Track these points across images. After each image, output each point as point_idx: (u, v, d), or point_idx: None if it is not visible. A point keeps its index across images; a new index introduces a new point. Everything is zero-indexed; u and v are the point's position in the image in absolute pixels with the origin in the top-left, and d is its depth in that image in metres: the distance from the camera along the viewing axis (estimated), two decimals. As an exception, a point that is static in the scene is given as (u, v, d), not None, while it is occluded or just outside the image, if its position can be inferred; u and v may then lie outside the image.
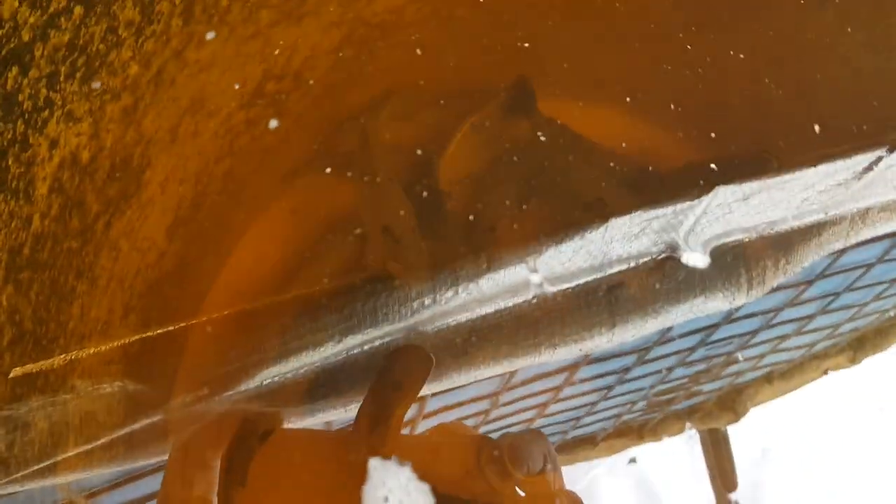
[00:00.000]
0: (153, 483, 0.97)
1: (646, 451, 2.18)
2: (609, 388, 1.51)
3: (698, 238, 0.78)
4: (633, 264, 0.77)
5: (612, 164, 0.71)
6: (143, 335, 0.64)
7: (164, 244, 0.68)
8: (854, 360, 2.12)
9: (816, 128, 0.76)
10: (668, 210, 0.70)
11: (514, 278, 0.69)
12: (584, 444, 2.05)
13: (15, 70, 0.61)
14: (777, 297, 1.42)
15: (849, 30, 0.83)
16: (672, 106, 0.75)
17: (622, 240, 0.71)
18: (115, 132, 0.66)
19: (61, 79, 0.63)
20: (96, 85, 0.63)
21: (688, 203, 0.70)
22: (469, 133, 0.72)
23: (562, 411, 1.60)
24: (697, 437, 2.65)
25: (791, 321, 1.61)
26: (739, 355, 1.71)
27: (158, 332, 0.63)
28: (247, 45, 0.71)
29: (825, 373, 2.13)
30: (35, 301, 0.62)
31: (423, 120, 0.73)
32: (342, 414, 0.78)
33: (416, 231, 0.66)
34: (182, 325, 0.63)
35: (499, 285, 0.69)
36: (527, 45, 0.76)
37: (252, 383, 0.68)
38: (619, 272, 0.77)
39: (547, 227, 0.67)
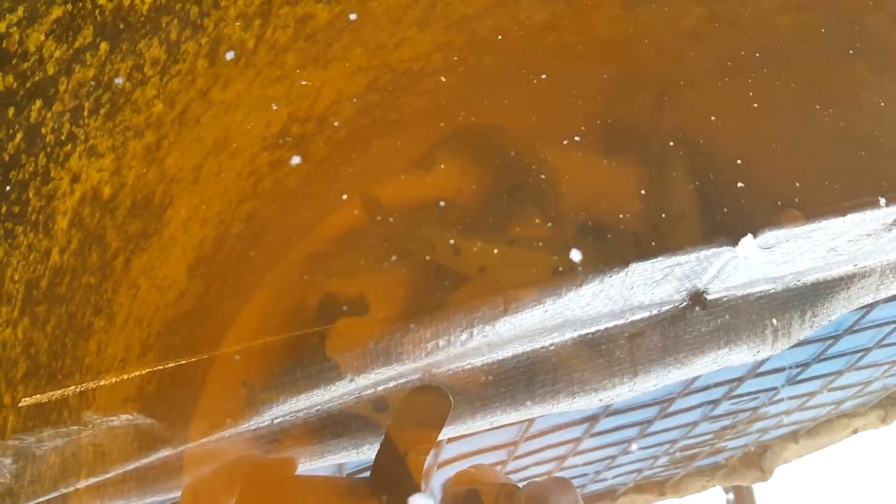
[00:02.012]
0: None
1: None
2: (630, 441, 1.48)
3: (722, 286, 0.76)
4: (655, 312, 0.76)
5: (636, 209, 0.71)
6: (160, 370, 0.63)
7: (184, 283, 0.68)
8: (885, 421, 2.07)
9: (843, 178, 0.75)
10: (691, 257, 0.68)
11: (531, 322, 0.68)
12: (603, 499, 2.00)
13: (39, 103, 0.62)
14: (804, 352, 1.39)
15: (880, 81, 0.82)
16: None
17: (644, 286, 0.70)
18: (137, 169, 0.66)
19: (85, 114, 0.64)
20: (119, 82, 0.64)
21: (712, 250, 0.69)
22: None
23: (581, 465, 1.57)
24: (722, 495, 2.58)
25: (818, 377, 1.57)
26: (765, 411, 1.68)
27: (174, 367, 0.63)
28: (272, 88, 0.72)
29: (854, 432, 2.08)
30: (51, 335, 0.62)
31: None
32: (354, 456, 0.76)
33: None
34: (195, 359, 0.63)
35: (516, 329, 0.68)
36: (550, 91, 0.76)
37: (264, 421, 0.67)
38: (642, 319, 0.76)
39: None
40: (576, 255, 0.67)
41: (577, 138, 0.73)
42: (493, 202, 0.71)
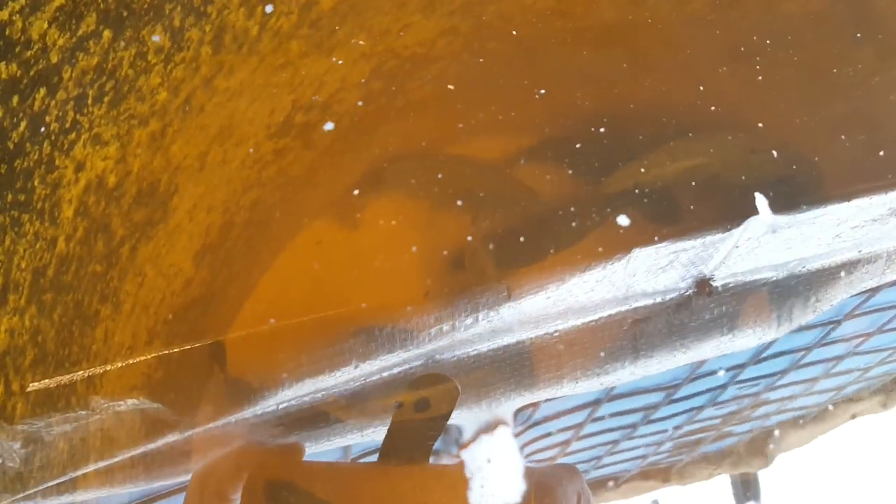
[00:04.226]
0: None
1: (669, 494, 2.13)
2: (633, 426, 1.49)
3: (729, 271, 0.76)
4: (660, 299, 0.76)
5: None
6: (167, 358, 0.64)
7: (190, 271, 0.68)
8: (886, 406, 2.07)
9: (849, 163, 0.75)
10: (696, 242, 0.68)
11: (535, 308, 0.68)
12: (606, 485, 2.01)
13: (43, 91, 0.63)
14: (806, 336, 1.39)
15: (887, 66, 0.82)
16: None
17: (647, 272, 0.70)
18: (142, 157, 0.67)
19: (89, 102, 0.64)
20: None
21: (718, 235, 0.69)
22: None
23: (583, 450, 1.57)
24: (728, 483, 2.59)
25: (820, 362, 1.58)
26: (768, 396, 1.68)
27: (181, 354, 0.63)
28: (276, 76, 0.72)
29: (853, 417, 2.08)
30: (58, 323, 0.62)
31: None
32: (359, 438, 0.77)
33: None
34: (202, 344, 0.63)
35: (520, 315, 0.68)
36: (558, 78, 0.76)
37: (270, 406, 0.67)
38: (645, 306, 0.76)
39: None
40: (623, 220, 0.67)
41: (602, 129, 0.73)
42: None
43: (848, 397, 2.03)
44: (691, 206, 0.69)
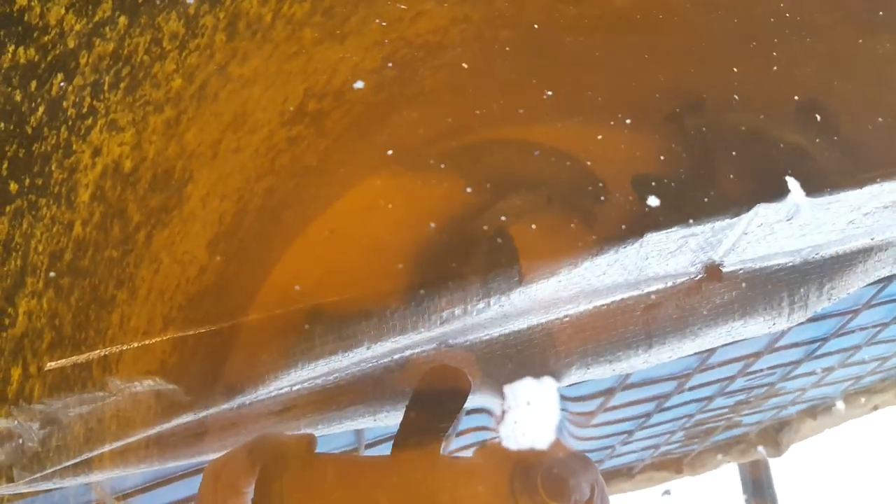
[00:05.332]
0: (183, 487, 0.97)
1: (681, 485, 2.13)
2: (647, 415, 1.49)
3: (738, 258, 0.76)
4: (670, 283, 0.76)
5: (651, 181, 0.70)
6: (182, 343, 0.64)
7: (204, 258, 0.68)
8: (906, 397, 2.06)
9: (863, 150, 0.75)
10: (705, 227, 0.68)
11: (547, 292, 0.68)
12: (620, 476, 2.02)
13: (60, 76, 0.63)
14: (821, 327, 1.39)
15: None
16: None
17: (658, 256, 0.70)
18: (157, 144, 0.67)
19: (105, 88, 0.65)
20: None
21: (727, 221, 0.68)
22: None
23: (597, 438, 1.57)
24: (737, 472, 2.59)
25: (836, 353, 1.57)
26: (783, 386, 1.68)
27: (196, 339, 0.64)
28: (289, 63, 0.72)
29: (874, 409, 2.07)
30: (75, 307, 0.63)
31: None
32: (371, 423, 0.77)
33: None
34: (217, 327, 0.64)
35: (533, 299, 0.68)
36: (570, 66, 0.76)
37: (283, 387, 0.68)
38: (657, 291, 0.76)
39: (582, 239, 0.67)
40: (653, 201, 0.67)
41: (628, 120, 0.73)
42: None
43: (866, 388, 2.02)
44: (712, 192, 0.69)
